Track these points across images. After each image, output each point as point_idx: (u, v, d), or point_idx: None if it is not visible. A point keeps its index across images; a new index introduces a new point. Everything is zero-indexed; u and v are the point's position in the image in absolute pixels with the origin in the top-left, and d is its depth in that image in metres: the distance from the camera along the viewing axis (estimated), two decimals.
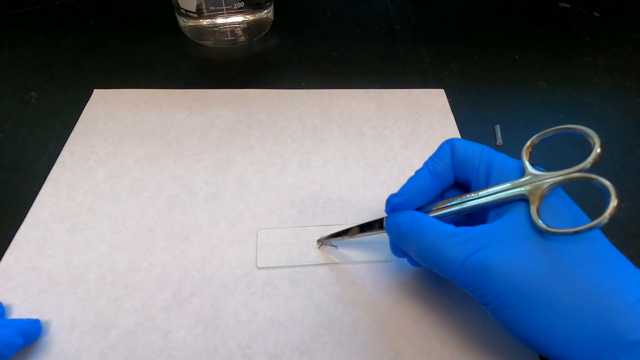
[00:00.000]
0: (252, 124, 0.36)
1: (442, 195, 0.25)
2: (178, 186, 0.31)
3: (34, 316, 0.24)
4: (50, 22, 0.46)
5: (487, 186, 0.22)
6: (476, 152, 0.24)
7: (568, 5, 0.52)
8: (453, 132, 0.36)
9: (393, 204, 0.24)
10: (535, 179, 0.21)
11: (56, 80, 0.39)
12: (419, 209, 0.24)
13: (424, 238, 0.22)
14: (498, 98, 0.40)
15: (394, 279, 0.27)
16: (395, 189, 0.32)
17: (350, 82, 0.40)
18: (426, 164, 0.25)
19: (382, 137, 0.35)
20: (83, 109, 0.36)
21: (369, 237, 0.28)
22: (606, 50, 0.46)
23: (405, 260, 0.28)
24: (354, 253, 0.28)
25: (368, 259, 0.28)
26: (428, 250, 0.22)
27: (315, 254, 0.28)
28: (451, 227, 0.22)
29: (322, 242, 0.28)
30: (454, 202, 0.23)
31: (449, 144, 0.24)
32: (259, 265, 0.27)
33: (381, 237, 0.29)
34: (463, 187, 0.25)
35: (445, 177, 0.24)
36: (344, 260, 0.28)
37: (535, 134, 0.24)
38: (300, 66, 0.42)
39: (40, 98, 0.38)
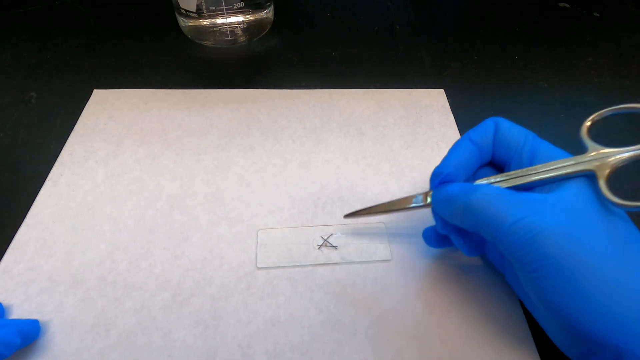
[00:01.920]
0: (252, 124, 0.36)
1: (474, 174, 0.25)
2: (178, 186, 0.31)
3: (33, 316, 0.24)
4: (50, 22, 0.46)
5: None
6: (521, 135, 0.24)
7: (568, 5, 0.52)
8: (453, 132, 0.36)
9: (442, 175, 0.23)
10: (601, 155, 0.21)
11: (56, 80, 0.39)
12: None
13: (474, 196, 0.21)
14: (498, 98, 0.40)
15: (394, 279, 0.27)
16: (395, 189, 0.32)
17: (350, 82, 0.40)
18: (467, 135, 0.24)
19: (382, 137, 0.35)
20: (83, 109, 0.36)
21: (373, 232, 0.29)
22: (606, 50, 0.46)
23: (404, 260, 0.28)
24: (354, 253, 0.28)
25: (368, 259, 0.28)
26: (478, 208, 0.21)
27: (315, 254, 0.28)
28: (505, 188, 0.22)
29: (350, 216, 0.28)
30: (511, 176, 0.23)
31: (494, 121, 0.24)
32: (259, 265, 0.27)
33: (381, 237, 0.29)
34: (496, 167, 0.25)
35: (485, 152, 0.24)
36: (344, 260, 0.28)
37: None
38: (300, 66, 0.42)
39: (40, 98, 0.38)
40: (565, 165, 0.21)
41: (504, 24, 0.49)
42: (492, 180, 0.23)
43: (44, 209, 0.29)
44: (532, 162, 0.23)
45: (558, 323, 0.20)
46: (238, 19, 0.42)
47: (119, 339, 0.24)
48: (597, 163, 0.21)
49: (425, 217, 0.30)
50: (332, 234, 0.29)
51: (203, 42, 0.44)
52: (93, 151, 0.33)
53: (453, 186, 0.23)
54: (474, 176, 0.25)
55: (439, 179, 0.24)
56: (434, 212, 0.25)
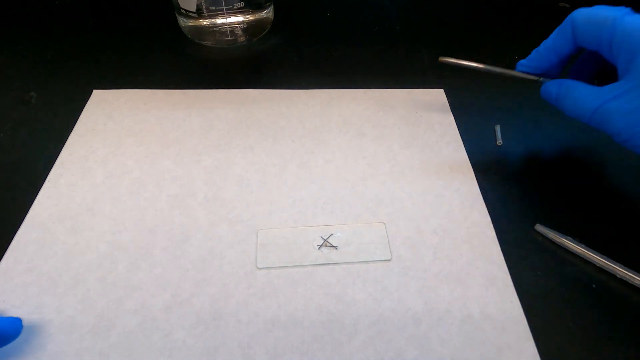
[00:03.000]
0: (252, 124, 0.36)
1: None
2: (178, 186, 0.31)
3: (33, 317, 0.24)
4: (50, 22, 0.46)
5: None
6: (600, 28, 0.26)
7: (568, 5, 0.52)
8: (453, 132, 0.36)
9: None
10: None
11: (56, 80, 0.39)
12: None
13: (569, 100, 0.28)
14: (498, 98, 0.40)
15: (394, 279, 0.27)
16: (395, 188, 0.32)
17: (350, 82, 0.40)
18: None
19: (382, 137, 0.35)
20: (83, 109, 0.36)
21: (373, 232, 0.28)
22: None
23: (404, 260, 0.28)
24: (354, 253, 0.28)
25: (368, 259, 0.28)
26: (572, 109, 0.28)
27: (315, 254, 0.28)
28: (589, 88, 0.27)
29: (445, 61, 0.33)
30: None
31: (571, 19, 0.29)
32: (259, 266, 0.27)
33: (381, 237, 0.29)
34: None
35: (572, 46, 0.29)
36: (344, 260, 0.28)
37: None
38: (300, 66, 0.42)
39: (40, 98, 0.38)
40: None
41: (504, 24, 0.49)
42: None
43: (44, 209, 0.29)
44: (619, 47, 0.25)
45: None
46: (238, 19, 0.42)
47: (119, 339, 0.24)
48: None
49: (425, 216, 0.30)
50: (332, 234, 0.29)
51: (203, 42, 0.44)
52: (93, 151, 0.33)
53: (552, 85, 0.30)
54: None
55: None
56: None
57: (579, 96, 0.28)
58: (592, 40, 0.27)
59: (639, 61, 0.24)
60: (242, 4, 0.41)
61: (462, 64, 0.32)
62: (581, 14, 0.28)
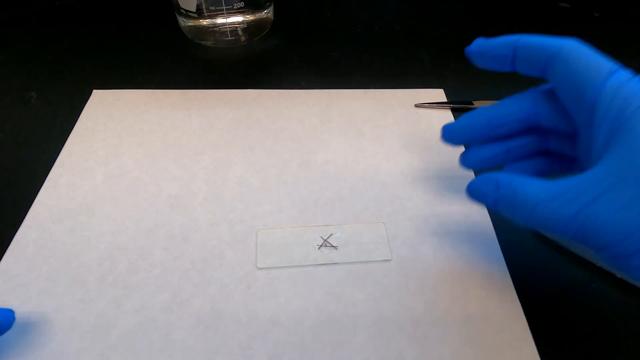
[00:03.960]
0: (252, 124, 0.36)
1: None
2: (178, 186, 0.31)
3: (33, 317, 0.24)
4: (50, 22, 0.46)
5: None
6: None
7: (568, 5, 0.51)
8: None
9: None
10: None
11: (56, 80, 0.39)
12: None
13: (520, 208, 0.19)
14: (498, 98, 0.40)
15: (394, 279, 0.27)
16: (395, 189, 0.32)
17: (350, 82, 0.40)
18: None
19: (382, 137, 0.35)
20: (82, 109, 0.36)
21: (373, 232, 0.29)
22: (606, 50, 0.45)
23: (404, 260, 0.28)
24: (354, 253, 0.28)
25: (368, 259, 0.28)
26: (528, 219, 0.19)
27: (315, 254, 0.28)
28: (547, 184, 0.19)
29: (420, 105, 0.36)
30: None
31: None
32: (259, 266, 0.27)
33: (381, 237, 0.29)
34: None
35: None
36: (344, 260, 0.28)
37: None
38: (300, 66, 0.42)
39: (40, 98, 0.38)
40: None
41: (504, 24, 0.49)
42: None
43: (44, 209, 0.29)
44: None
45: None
46: (238, 19, 0.42)
47: (119, 339, 0.24)
48: None
49: (425, 216, 0.30)
50: (332, 234, 0.29)
51: (203, 42, 0.44)
52: (92, 152, 0.33)
53: (488, 187, 0.22)
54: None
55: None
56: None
57: (531, 198, 0.19)
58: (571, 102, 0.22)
59: (628, 135, 0.17)
60: (242, 4, 0.41)
61: (434, 105, 0.38)
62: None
